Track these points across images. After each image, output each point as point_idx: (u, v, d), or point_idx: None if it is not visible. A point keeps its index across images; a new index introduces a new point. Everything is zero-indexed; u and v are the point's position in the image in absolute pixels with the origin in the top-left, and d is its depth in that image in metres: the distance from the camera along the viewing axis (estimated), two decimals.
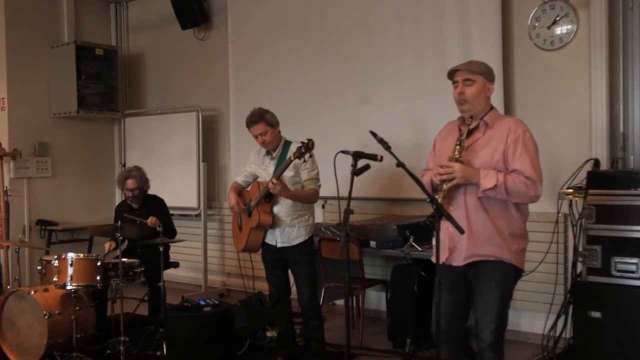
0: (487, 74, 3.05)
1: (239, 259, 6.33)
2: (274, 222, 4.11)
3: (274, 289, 4.32)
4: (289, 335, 4.41)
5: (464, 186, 2.94)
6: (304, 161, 3.90)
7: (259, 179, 4.22)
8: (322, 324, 4.31)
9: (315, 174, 4.11)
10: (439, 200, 2.83)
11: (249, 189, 4.34)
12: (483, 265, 2.96)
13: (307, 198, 4.11)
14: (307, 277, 4.17)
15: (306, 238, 4.17)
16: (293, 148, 4.03)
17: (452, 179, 2.85)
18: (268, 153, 4.21)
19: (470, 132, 3.00)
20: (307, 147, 3.75)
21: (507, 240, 2.95)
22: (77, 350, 4.26)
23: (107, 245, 5.14)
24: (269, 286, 4.37)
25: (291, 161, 3.87)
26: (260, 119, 4.09)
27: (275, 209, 4.12)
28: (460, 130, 3.04)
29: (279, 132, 4.20)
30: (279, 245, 4.16)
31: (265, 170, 4.18)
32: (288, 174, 4.04)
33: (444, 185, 2.87)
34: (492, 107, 3.07)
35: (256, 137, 4.14)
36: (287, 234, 4.14)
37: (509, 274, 2.99)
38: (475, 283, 3.01)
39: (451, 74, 3.05)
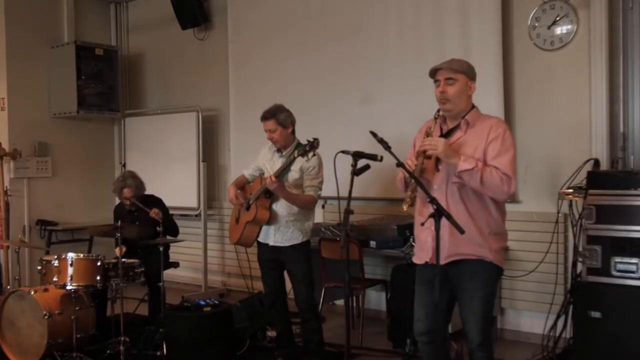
0: (469, 72, 3.04)
1: (238, 259, 6.34)
2: (271, 219, 4.09)
3: (269, 290, 4.31)
4: (287, 335, 4.41)
5: (446, 187, 2.96)
6: (307, 160, 3.88)
7: (264, 175, 4.22)
8: (320, 325, 4.30)
9: (318, 182, 4.08)
10: (410, 189, 2.86)
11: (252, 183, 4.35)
12: (465, 264, 2.97)
13: (302, 203, 4.05)
14: (303, 277, 4.14)
15: (300, 241, 4.13)
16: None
17: (434, 150, 2.86)
18: (279, 150, 4.20)
19: (451, 131, 3.02)
20: (312, 145, 3.75)
21: (488, 239, 2.96)
22: (77, 350, 4.26)
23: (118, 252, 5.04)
24: (264, 287, 4.36)
25: (294, 158, 3.86)
26: (272, 115, 4.09)
27: (274, 206, 4.10)
28: (441, 128, 3.07)
29: (292, 132, 4.18)
30: (271, 244, 4.15)
31: (272, 166, 4.16)
32: (294, 175, 4.04)
33: (420, 159, 2.89)
34: (473, 106, 3.07)
35: (266, 132, 4.14)
36: (281, 234, 4.12)
37: (491, 273, 3.00)
38: (457, 282, 3.01)
39: (433, 73, 3.06)
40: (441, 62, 3.05)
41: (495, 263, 2.98)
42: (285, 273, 4.29)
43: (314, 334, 4.21)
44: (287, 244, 4.12)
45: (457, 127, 3.02)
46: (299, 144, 4.15)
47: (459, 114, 3.02)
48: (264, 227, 4.15)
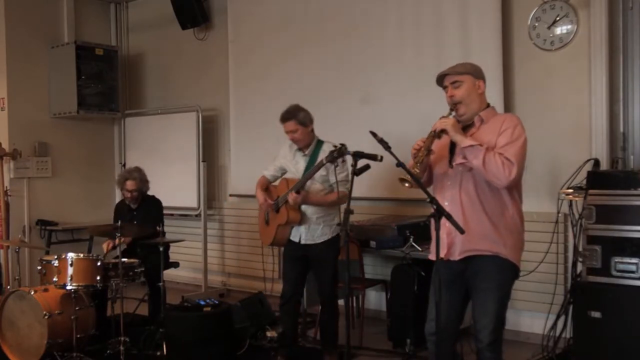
0: (474, 72, 3.06)
1: (237, 259, 6.34)
2: (301, 219, 4.16)
3: (288, 286, 4.34)
4: (291, 335, 4.41)
5: (460, 182, 2.96)
6: (337, 165, 3.93)
7: (287, 175, 4.26)
8: (337, 317, 4.33)
9: (345, 175, 4.11)
10: (419, 161, 2.88)
11: (276, 183, 4.38)
12: (481, 261, 2.96)
13: (335, 202, 4.13)
14: (330, 274, 4.21)
15: (330, 237, 4.20)
16: (325, 149, 4.09)
17: (444, 125, 2.90)
18: (300, 149, 4.23)
19: (465, 128, 3.02)
20: (340, 152, 3.78)
21: (503, 236, 2.95)
22: (77, 350, 4.26)
23: (104, 246, 5.11)
24: (284, 283, 4.40)
25: (322, 164, 3.92)
26: (293, 116, 4.14)
27: (303, 206, 4.15)
28: None
29: (312, 130, 4.22)
30: (302, 242, 4.21)
31: (295, 166, 4.22)
32: (319, 172, 4.06)
33: (429, 139, 2.92)
34: (488, 105, 3.08)
35: (287, 133, 4.18)
36: (312, 232, 4.18)
37: (508, 274, 3.00)
38: (473, 281, 3.00)
39: (440, 80, 3.08)
40: (446, 69, 3.07)
41: (511, 260, 2.97)
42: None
43: (331, 320, 4.27)
44: (317, 241, 4.19)
45: (470, 124, 3.04)
46: (319, 141, 4.21)
47: (474, 115, 3.03)
48: (295, 226, 4.21)
